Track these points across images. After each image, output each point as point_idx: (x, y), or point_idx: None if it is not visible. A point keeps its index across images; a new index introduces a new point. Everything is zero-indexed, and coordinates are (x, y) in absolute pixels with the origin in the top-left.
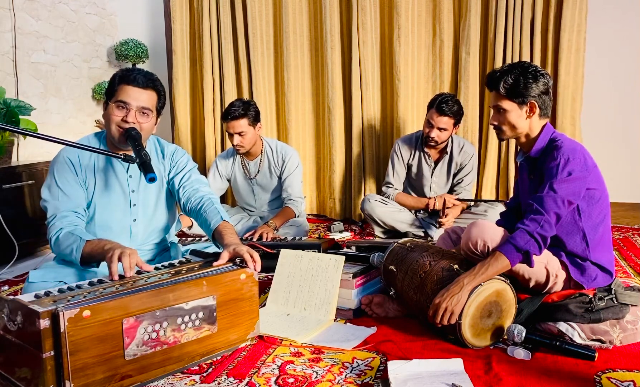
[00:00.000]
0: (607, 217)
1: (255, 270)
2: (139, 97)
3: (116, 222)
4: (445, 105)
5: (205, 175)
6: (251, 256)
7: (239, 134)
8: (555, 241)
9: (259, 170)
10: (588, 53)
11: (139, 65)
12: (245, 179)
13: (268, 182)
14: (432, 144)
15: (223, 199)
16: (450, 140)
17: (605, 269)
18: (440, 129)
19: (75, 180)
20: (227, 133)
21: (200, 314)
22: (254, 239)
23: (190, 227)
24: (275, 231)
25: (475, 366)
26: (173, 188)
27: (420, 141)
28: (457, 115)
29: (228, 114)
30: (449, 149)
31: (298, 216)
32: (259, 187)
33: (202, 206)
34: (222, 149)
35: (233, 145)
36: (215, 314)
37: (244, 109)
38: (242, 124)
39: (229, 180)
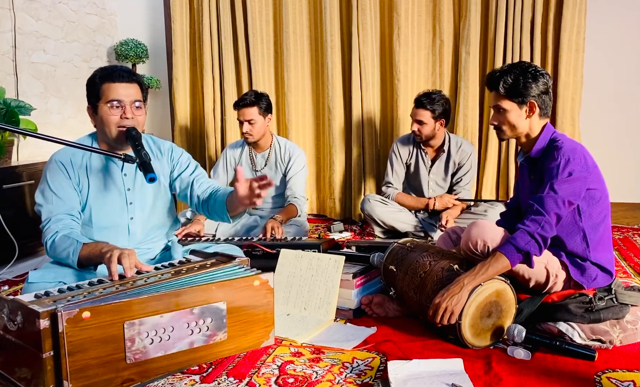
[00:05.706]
0: (608, 218)
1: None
2: (129, 92)
3: (114, 222)
4: (424, 98)
5: None
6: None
7: (249, 121)
8: (556, 241)
9: (265, 164)
10: (587, 53)
11: (139, 65)
12: (251, 171)
13: (272, 176)
14: (418, 139)
15: None
16: (447, 138)
17: (606, 269)
18: (419, 121)
19: (68, 183)
20: (238, 121)
21: (209, 320)
22: (267, 238)
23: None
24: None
25: (475, 366)
26: (181, 184)
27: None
28: (436, 108)
29: (240, 101)
30: (445, 147)
31: (299, 215)
32: None
33: (212, 191)
34: (222, 149)
35: (242, 132)
36: (225, 320)
37: (255, 97)
38: (252, 112)
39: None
